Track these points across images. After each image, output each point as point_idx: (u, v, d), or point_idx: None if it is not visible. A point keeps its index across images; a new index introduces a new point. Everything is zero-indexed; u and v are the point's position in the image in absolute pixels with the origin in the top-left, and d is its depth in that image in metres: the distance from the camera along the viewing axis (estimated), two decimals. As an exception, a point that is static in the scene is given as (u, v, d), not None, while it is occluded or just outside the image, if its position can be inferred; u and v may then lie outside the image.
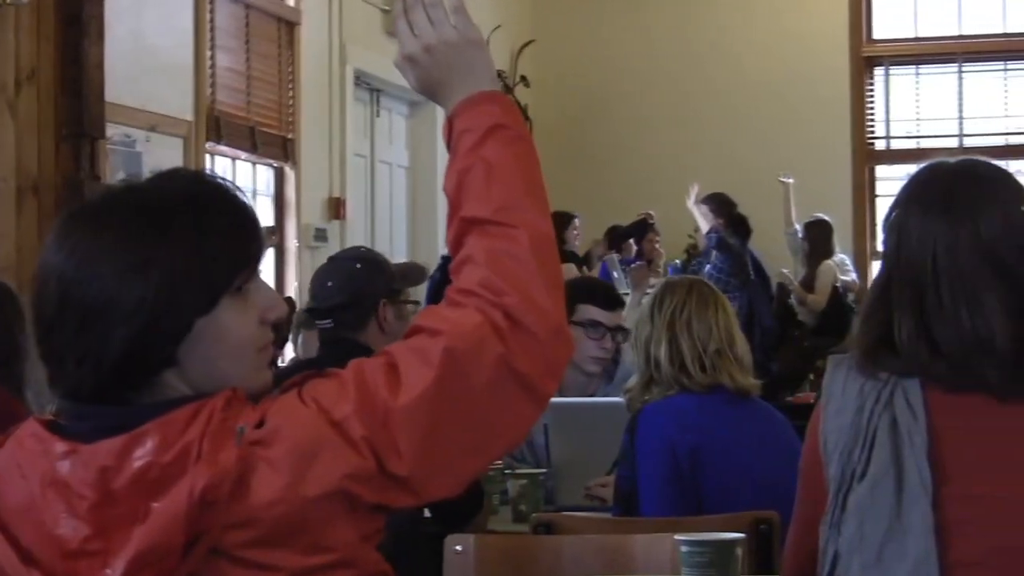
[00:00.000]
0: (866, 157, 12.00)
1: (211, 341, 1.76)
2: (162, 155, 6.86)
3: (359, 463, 1.69)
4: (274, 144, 8.28)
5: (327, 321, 4.10)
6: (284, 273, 8.42)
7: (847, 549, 2.07)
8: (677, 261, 10.49)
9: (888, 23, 12.09)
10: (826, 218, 10.22)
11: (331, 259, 4.40)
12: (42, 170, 5.64)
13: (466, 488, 1.82)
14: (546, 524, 3.19)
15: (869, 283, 9.97)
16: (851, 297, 10.12)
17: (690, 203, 9.73)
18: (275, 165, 8.44)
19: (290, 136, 8.44)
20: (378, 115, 9.92)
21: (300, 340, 5.99)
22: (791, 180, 10.42)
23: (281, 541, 1.68)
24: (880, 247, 2.34)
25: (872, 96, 12.04)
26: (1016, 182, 2.24)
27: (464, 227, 1.82)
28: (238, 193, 1.84)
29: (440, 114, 1.92)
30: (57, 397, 1.78)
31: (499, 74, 9.88)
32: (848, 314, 9.77)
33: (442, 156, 1.95)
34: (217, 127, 7.60)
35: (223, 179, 1.87)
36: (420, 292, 6.47)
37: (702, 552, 2.32)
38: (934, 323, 2.12)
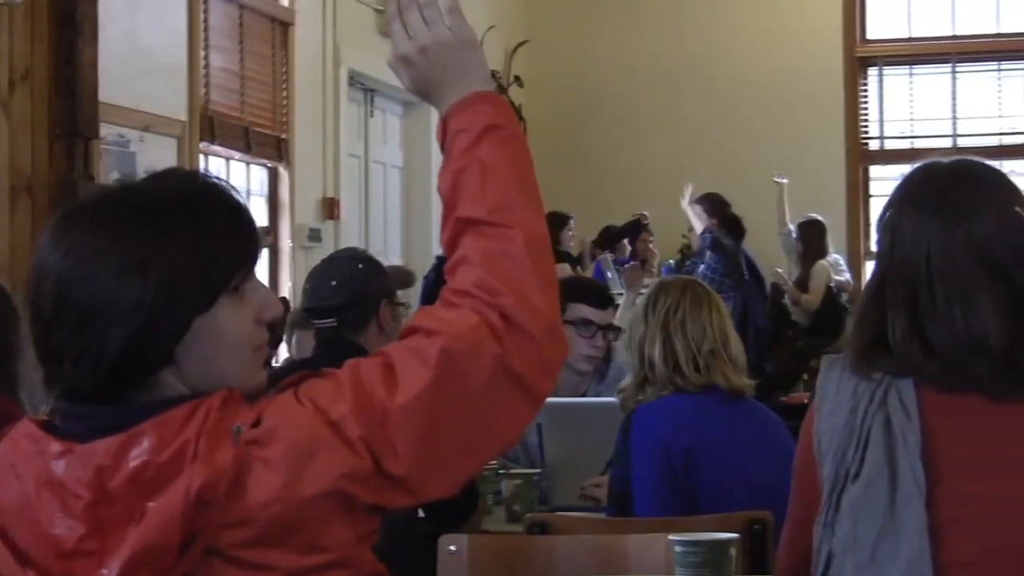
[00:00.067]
0: (860, 157, 12.01)
1: (208, 340, 1.76)
2: (156, 155, 6.86)
3: (356, 463, 1.70)
4: (268, 144, 8.28)
5: (330, 320, 4.09)
6: (278, 273, 8.42)
7: (841, 549, 2.07)
8: (671, 261, 10.50)
9: (882, 23, 12.11)
10: (820, 218, 10.22)
11: (330, 259, 4.39)
12: (36, 170, 5.63)
13: (461, 488, 1.82)
14: (540, 524, 3.19)
15: (863, 283, 9.98)
16: (845, 297, 10.12)
17: (684, 203, 9.73)
18: (269, 165, 8.44)
19: (284, 136, 8.44)
20: (372, 115, 9.92)
21: (294, 340, 5.99)
22: (785, 180, 10.42)
23: (277, 541, 1.68)
24: (874, 247, 2.35)
25: (866, 96, 12.05)
26: (1010, 182, 2.24)
27: (459, 228, 1.83)
28: (233, 193, 1.84)
29: (434, 114, 1.92)
30: (53, 397, 1.78)
31: (493, 74, 9.92)
32: (842, 314, 9.77)
33: (436, 156, 1.95)
34: (211, 127, 7.60)
35: (218, 179, 1.88)
36: (411, 295, 6.47)
37: (696, 552, 2.32)
38: (928, 323, 2.12)
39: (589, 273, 9.91)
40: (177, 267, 1.74)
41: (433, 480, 1.76)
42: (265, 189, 8.49)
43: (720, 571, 2.31)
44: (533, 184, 1.87)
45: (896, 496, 2.04)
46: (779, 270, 10.18)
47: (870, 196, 11.99)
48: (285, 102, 8.45)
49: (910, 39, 12.04)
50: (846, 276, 10.40)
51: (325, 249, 7.99)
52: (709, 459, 3.52)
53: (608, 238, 10.74)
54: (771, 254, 10.25)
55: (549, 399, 1.83)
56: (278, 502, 1.67)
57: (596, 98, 12.01)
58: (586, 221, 10.73)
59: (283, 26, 8.45)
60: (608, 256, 10.23)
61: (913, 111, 12.05)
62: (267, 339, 1.85)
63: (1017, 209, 2.18)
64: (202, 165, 7.52)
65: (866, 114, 12.04)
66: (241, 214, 1.83)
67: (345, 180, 9.14)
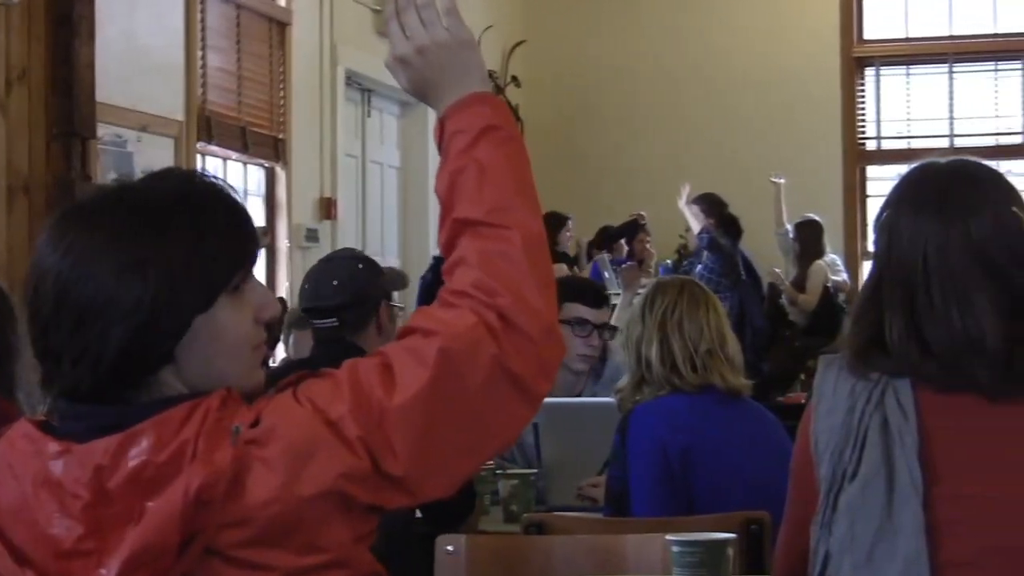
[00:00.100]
0: (857, 157, 12.01)
1: (208, 339, 1.76)
2: (153, 155, 6.85)
3: (354, 463, 1.70)
4: (265, 144, 8.28)
5: (331, 320, 4.07)
6: (275, 273, 8.42)
7: (838, 549, 2.07)
8: (668, 261, 10.49)
9: (879, 23, 12.11)
10: (817, 218, 10.23)
11: (329, 259, 4.37)
12: (33, 170, 5.63)
13: (459, 489, 1.82)
14: (537, 524, 3.19)
15: (860, 283, 10.01)
16: (842, 297, 10.13)
17: (681, 203, 9.73)
18: (266, 165, 8.44)
19: (281, 136, 8.44)
20: (369, 115, 9.92)
21: (291, 340, 5.99)
22: (782, 180, 10.42)
23: (275, 541, 1.68)
24: (871, 247, 2.35)
25: (863, 96, 12.05)
26: (1007, 182, 2.24)
27: (457, 228, 1.83)
28: (231, 192, 1.85)
29: (431, 114, 1.93)
30: (52, 397, 1.78)
31: (490, 74, 9.90)
32: (839, 314, 9.78)
33: (433, 156, 1.95)
34: (208, 127, 7.59)
35: (216, 178, 1.88)
36: (404, 297, 6.46)
37: (693, 552, 2.32)
38: (925, 323, 2.12)
39: (586, 273, 9.92)
40: (176, 266, 1.74)
41: (431, 480, 1.76)
42: (262, 189, 8.49)
43: (717, 571, 2.31)
44: (530, 185, 1.87)
45: (893, 496, 2.04)
46: (776, 270, 10.19)
47: (867, 196, 11.98)
48: (282, 102, 8.45)
49: (907, 39, 12.04)
50: (843, 276, 10.40)
51: (322, 249, 7.98)
52: (706, 459, 3.52)
53: (605, 238, 10.75)
54: (768, 254, 10.26)
55: (546, 399, 1.83)
56: (277, 502, 1.67)
57: (594, 98, 12.01)
58: (584, 221, 10.74)
59: (280, 26, 8.45)
60: (605, 256, 10.24)
61: (910, 111, 12.05)
62: (264, 338, 1.85)
63: (1014, 209, 2.18)
64: (199, 165, 7.52)
65: (863, 114, 12.04)
66: (240, 213, 1.83)
67: (342, 180, 9.13)
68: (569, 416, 4.23)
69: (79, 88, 5.72)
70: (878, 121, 12.11)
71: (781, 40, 11.82)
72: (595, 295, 4.81)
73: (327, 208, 8.88)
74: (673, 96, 11.94)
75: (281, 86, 8.43)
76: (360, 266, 4.17)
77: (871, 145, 12.13)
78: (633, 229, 10.78)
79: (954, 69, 11.89)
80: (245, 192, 8.21)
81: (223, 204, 1.82)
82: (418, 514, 3.67)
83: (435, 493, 1.77)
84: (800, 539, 2.16)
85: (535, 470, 4.12)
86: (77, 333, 1.73)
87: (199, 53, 7.52)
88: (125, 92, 6.72)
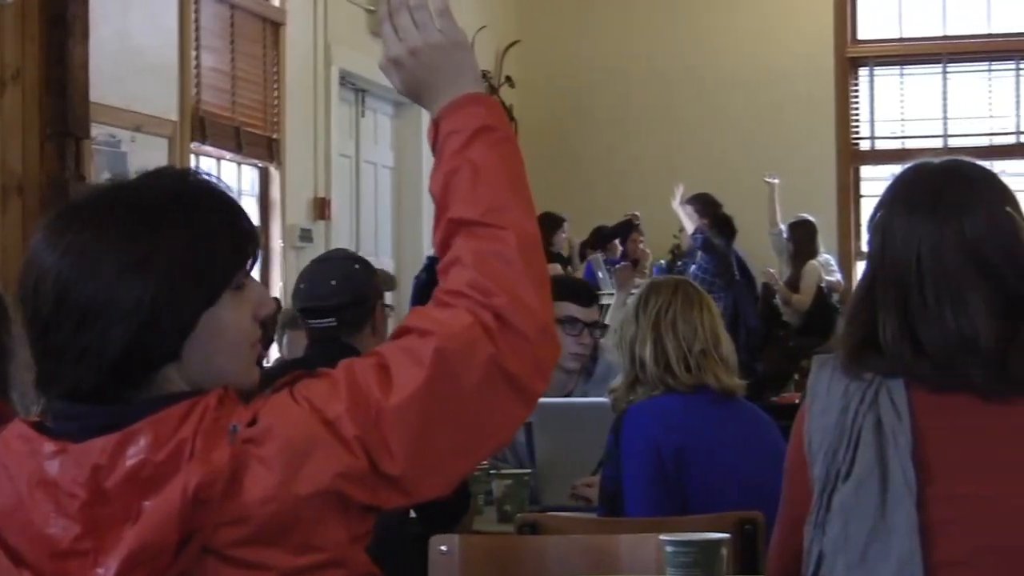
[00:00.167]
0: (851, 157, 12.02)
1: (209, 336, 1.77)
2: (147, 155, 6.85)
3: (351, 462, 1.70)
4: (259, 144, 8.28)
5: (329, 320, 4.05)
6: (269, 273, 8.41)
7: (832, 549, 2.08)
8: (662, 261, 10.50)
9: (873, 24, 12.12)
10: (811, 218, 10.23)
11: (324, 259, 4.34)
12: (27, 170, 5.63)
13: (453, 488, 1.82)
14: (531, 524, 3.19)
15: (854, 283, 10.01)
16: (836, 297, 10.13)
17: (675, 204, 9.73)
18: (260, 165, 8.44)
19: (275, 136, 8.44)
20: (363, 115, 9.92)
21: (285, 340, 5.99)
22: (776, 180, 10.43)
23: (272, 540, 1.69)
24: (865, 247, 2.35)
25: (857, 96, 12.06)
26: (1000, 182, 2.25)
27: (452, 229, 1.83)
28: (226, 190, 1.85)
29: (425, 115, 1.93)
30: (52, 397, 1.78)
31: (484, 75, 9.90)
32: (833, 314, 9.79)
33: (427, 156, 1.95)
34: (202, 127, 7.59)
35: (209, 176, 1.88)
36: (397, 297, 6.47)
37: (687, 552, 2.32)
38: (918, 323, 2.13)
39: (579, 273, 9.92)
40: (176, 265, 1.74)
41: (427, 480, 1.76)
42: (256, 189, 8.49)
43: (711, 571, 2.31)
44: (525, 185, 1.87)
45: (887, 496, 2.05)
46: (770, 270, 10.19)
47: (861, 196, 11.99)
48: (276, 102, 8.45)
49: (901, 39, 12.05)
50: (837, 276, 10.41)
51: (316, 249, 7.99)
52: (700, 459, 3.52)
53: (599, 238, 10.75)
54: (762, 254, 10.26)
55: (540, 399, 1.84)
56: (274, 500, 1.67)
57: (587, 99, 12.01)
58: (578, 222, 10.74)
59: (274, 26, 8.45)
60: (599, 256, 10.25)
61: (904, 111, 12.07)
62: (260, 336, 1.85)
63: (1008, 209, 2.18)
64: (193, 165, 7.51)
65: (857, 114, 12.06)
66: (236, 211, 1.84)
67: (336, 180, 9.13)
68: (563, 416, 4.23)
69: (73, 88, 5.72)
70: (872, 121, 12.12)
71: (775, 40, 11.83)
72: (584, 293, 4.82)
73: (321, 208, 8.88)
74: (667, 97, 11.95)
75: (275, 86, 8.43)
76: (357, 266, 4.16)
77: (865, 145, 12.14)
78: (627, 229, 10.78)
79: (948, 69, 11.90)
80: (239, 192, 8.20)
81: (218, 201, 1.83)
82: (412, 514, 3.66)
83: (431, 493, 1.77)
84: (794, 539, 2.16)
85: (529, 470, 4.12)
86: (79, 333, 1.73)
87: (193, 53, 7.52)
88: (119, 92, 6.71)
